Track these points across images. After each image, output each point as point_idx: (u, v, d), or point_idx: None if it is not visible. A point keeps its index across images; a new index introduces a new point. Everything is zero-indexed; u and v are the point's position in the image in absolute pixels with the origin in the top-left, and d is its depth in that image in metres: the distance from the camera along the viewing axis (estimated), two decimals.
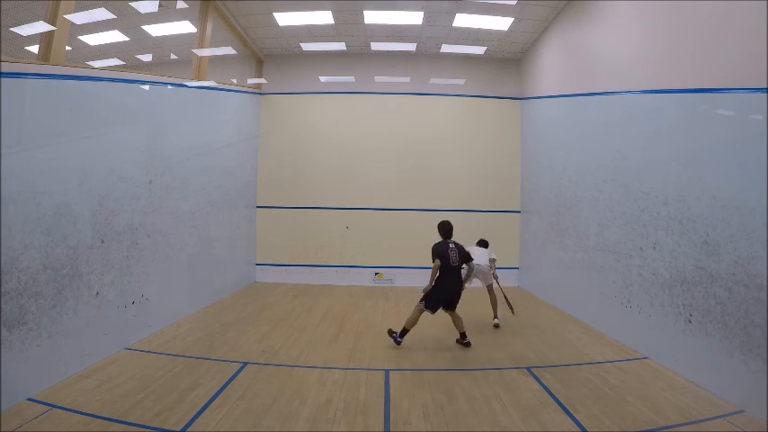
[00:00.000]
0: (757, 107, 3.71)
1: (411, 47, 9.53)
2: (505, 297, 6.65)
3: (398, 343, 5.34)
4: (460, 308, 5.48)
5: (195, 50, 7.28)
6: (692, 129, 4.58)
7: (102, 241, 4.75)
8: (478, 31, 8.62)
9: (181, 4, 7.15)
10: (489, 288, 6.55)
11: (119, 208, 5.04)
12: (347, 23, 8.50)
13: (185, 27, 7.49)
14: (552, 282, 7.99)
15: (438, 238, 5.57)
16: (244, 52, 9.36)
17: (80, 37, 6.28)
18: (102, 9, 6.02)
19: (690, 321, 4.43)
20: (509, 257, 9.81)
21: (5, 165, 3.57)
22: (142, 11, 6.82)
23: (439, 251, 5.36)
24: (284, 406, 3.75)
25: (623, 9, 5.91)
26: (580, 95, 7.09)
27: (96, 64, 6.31)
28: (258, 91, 9.98)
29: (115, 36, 6.94)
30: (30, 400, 3.67)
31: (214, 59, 7.96)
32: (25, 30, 4.77)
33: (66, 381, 4.07)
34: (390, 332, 5.47)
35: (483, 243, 6.88)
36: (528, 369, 4.69)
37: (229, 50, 8.96)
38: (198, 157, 7.07)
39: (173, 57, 8.10)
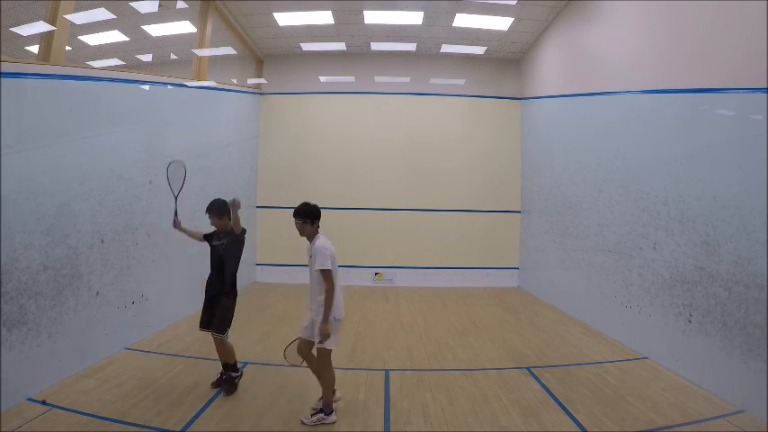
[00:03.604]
0: (757, 107, 3.71)
1: (411, 47, 9.53)
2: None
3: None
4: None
5: (195, 50, 7.28)
6: (692, 129, 4.58)
7: (102, 241, 4.75)
8: (478, 31, 8.62)
9: (181, 4, 7.14)
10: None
11: (119, 208, 5.04)
12: (347, 23, 8.50)
13: (185, 27, 7.48)
14: (552, 282, 7.99)
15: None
16: (244, 52, 9.35)
17: (80, 37, 6.26)
18: (102, 9, 6.01)
19: (690, 321, 4.43)
20: (509, 257, 9.84)
21: (5, 165, 3.57)
22: (142, 11, 6.81)
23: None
24: (284, 406, 3.76)
25: (623, 9, 5.91)
26: (580, 95, 7.09)
27: (96, 64, 6.29)
28: (258, 91, 9.98)
29: (115, 36, 6.92)
30: (30, 400, 3.67)
31: (214, 59, 7.96)
32: (25, 30, 4.76)
33: (66, 381, 4.07)
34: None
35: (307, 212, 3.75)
36: (528, 369, 4.69)
37: (229, 50, 8.95)
38: (198, 157, 7.06)
39: (173, 57, 8.09)
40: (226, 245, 4.06)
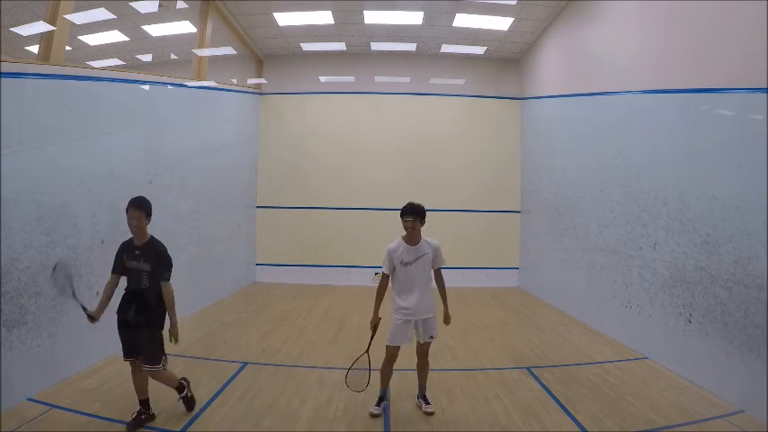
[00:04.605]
0: (757, 107, 3.71)
1: (411, 47, 9.53)
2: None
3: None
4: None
5: (195, 50, 7.27)
6: (692, 129, 4.58)
7: (102, 241, 4.75)
8: (478, 31, 8.62)
9: (181, 4, 7.15)
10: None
11: (119, 208, 5.00)
12: (347, 23, 8.50)
13: (185, 27, 7.48)
14: (552, 282, 7.99)
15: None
16: (244, 52, 9.35)
17: (80, 37, 6.27)
18: (102, 9, 6.02)
19: (690, 321, 4.43)
20: (509, 257, 9.83)
21: (5, 165, 3.57)
22: (142, 11, 6.82)
23: None
24: (284, 406, 3.76)
25: (623, 9, 5.91)
26: (580, 95, 7.09)
27: (96, 64, 6.30)
28: (258, 91, 9.98)
29: (115, 36, 6.93)
30: (30, 400, 3.67)
31: (214, 59, 7.96)
32: (25, 30, 4.76)
33: (66, 381, 4.07)
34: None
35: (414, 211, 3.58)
36: (528, 369, 4.69)
37: (229, 50, 8.95)
38: (198, 157, 7.06)
39: (173, 57, 8.10)
40: (151, 270, 3.29)
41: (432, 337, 3.67)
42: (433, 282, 3.70)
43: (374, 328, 3.64)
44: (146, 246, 3.35)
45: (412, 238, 3.56)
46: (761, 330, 3.57)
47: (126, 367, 3.37)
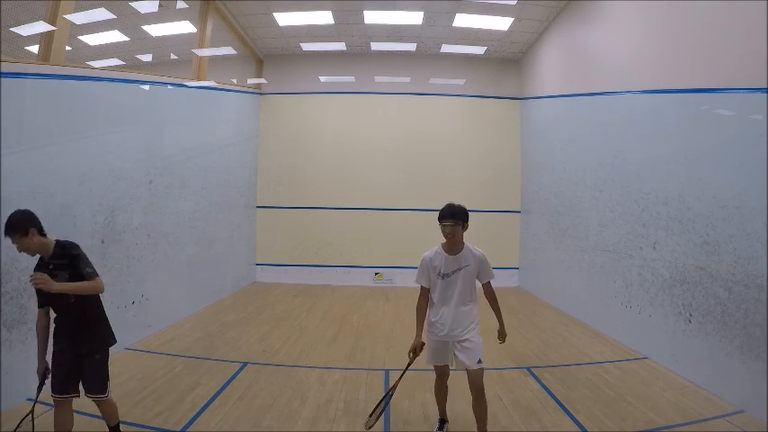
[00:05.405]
0: (757, 107, 3.71)
1: (411, 47, 9.53)
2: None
3: None
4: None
5: (195, 50, 7.28)
6: (692, 129, 4.58)
7: (102, 241, 4.75)
8: (478, 31, 8.62)
9: (181, 4, 7.15)
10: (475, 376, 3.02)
11: (119, 208, 5.04)
12: (347, 23, 8.50)
13: (185, 27, 7.48)
14: (552, 282, 7.99)
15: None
16: (244, 52, 9.35)
17: (80, 37, 6.27)
18: (102, 9, 6.02)
19: (690, 321, 4.43)
20: (509, 257, 9.83)
21: (5, 165, 3.57)
22: (142, 11, 6.82)
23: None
24: (284, 406, 3.76)
25: (623, 9, 5.91)
26: (580, 95, 7.09)
27: (96, 64, 6.29)
28: (258, 91, 9.98)
29: (115, 36, 6.93)
30: (30, 400, 3.66)
31: (214, 59, 7.96)
32: (25, 30, 4.76)
33: None
34: None
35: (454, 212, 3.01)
36: (528, 369, 4.69)
37: (229, 50, 8.95)
38: (198, 157, 7.07)
39: (173, 57, 8.10)
40: (69, 276, 2.78)
41: (479, 361, 3.04)
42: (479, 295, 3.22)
43: (414, 352, 3.05)
44: (54, 255, 2.81)
45: (452, 246, 3.01)
46: (761, 330, 3.57)
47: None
